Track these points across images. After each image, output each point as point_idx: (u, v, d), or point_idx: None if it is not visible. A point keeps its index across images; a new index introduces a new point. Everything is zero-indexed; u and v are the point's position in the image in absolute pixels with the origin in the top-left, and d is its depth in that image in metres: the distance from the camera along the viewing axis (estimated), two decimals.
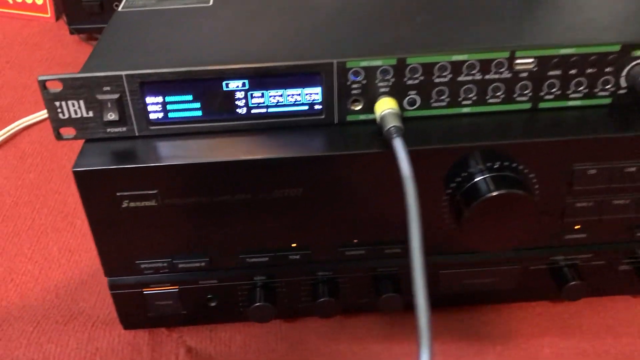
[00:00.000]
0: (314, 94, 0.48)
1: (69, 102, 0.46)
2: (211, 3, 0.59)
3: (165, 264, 0.51)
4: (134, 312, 0.54)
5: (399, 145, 0.43)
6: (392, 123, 0.45)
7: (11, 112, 0.90)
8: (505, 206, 0.46)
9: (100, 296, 0.60)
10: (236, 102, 0.48)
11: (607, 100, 0.50)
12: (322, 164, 0.47)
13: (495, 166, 0.47)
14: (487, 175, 0.47)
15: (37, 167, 0.79)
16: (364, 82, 0.47)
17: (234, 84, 0.47)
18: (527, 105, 0.50)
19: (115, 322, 0.57)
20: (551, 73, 0.48)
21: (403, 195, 0.42)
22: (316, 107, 0.49)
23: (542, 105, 0.50)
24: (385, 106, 0.47)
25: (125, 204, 0.47)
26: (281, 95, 0.48)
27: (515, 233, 0.48)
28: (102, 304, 0.60)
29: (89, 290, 0.61)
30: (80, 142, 0.49)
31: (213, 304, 0.54)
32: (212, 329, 0.57)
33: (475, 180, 0.47)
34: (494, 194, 0.46)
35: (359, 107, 0.49)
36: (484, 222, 0.47)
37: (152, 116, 0.48)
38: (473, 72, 0.48)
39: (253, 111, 0.48)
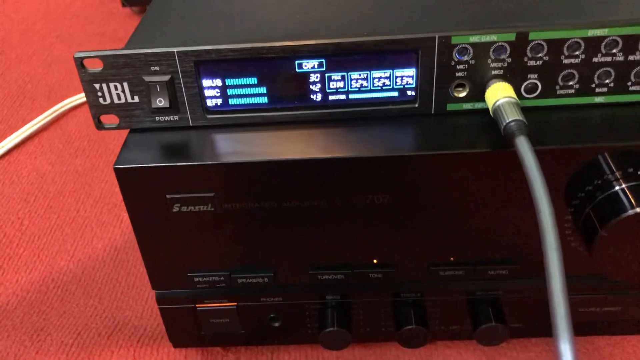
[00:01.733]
0: (407, 76, 0.38)
1: (111, 85, 0.38)
2: None
3: (222, 278, 0.43)
4: (186, 330, 0.47)
5: (524, 146, 0.33)
6: (512, 116, 0.35)
7: (59, 91, 0.84)
8: None
9: (149, 304, 0.53)
10: (310, 87, 0.39)
11: None
12: (414, 165, 0.38)
13: (639, 173, 0.37)
14: (631, 184, 0.36)
15: (84, 151, 0.73)
16: (473, 62, 0.37)
17: (308, 64, 0.38)
18: None
19: (164, 338, 0.49)
20: None
21: (529, 208, 0.33)
22: (408, 92, 0.39)
23: None
24: (500, 93, 0.37)
25: (176, 208, 0.39)
26: (366, 79, 0.39)
27: None
28: (150, 313, 0.52)
29: (136, 296, 0.54)
30: (126, 131, 0.41)
31: (276, 324, 0.46)
32: (274, 351, 0.49)
33: (614, 190, 0.37)
34: (638, 210, 0.35)
35: (463, 94, 0.39)
36: (621, 244, 0.37)
37: (209, 103, 0.39)
38: (614, 51, 0.37)
39: (331, 98, 0.39)
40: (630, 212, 0.35)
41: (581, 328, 0.47)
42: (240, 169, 0.38)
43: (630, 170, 0.37)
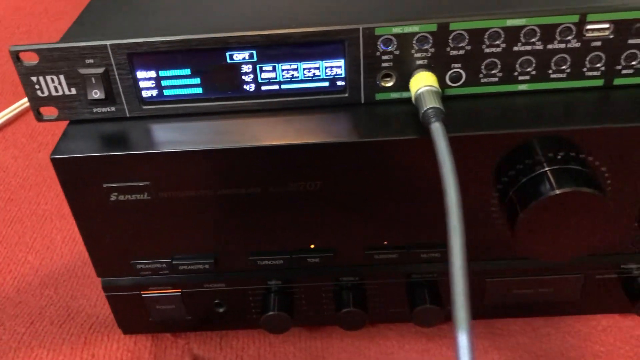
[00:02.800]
0: (336, 67, 0.40)
1: (48, 77, 0.39)
2: None
3: (164, 265, 0.44)
4: (134, 317, 0.48)
5: (437, 131, 0.34)
6: (430, 104, 0.36)
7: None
8: (570, 207, 0.37)
9: (102, 295, 0.54)
10: (243, 78, 0.40)
11: None
12: (345, 152, 0.39)
13: (558, 157, 0.38)
14: (549, 169, 0.38)
15: (47, 146, 0.74)
16: (397, 52, 0.39)
17: (239, 56, 0.39)
18: (599, 82, 0.40)
19: (116, 325, 0.51)
20: (632, 42, 0.38)
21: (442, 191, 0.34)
22: (339, 83, 0.40)
23: (618, 81, 0.40)
24: (422, 82, 0.38)
25: (113, 197, 0.40)
26: (296, 69, 0.40)
27: (582, 240, 0.39)
28: (104, 301, 0.54)
29: (92, 285, 0.55)
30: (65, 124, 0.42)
31: (221, 310, 0.48)
32: (223, 336, 0.50)
33: (534, 174, 0.38)
34: (558, 192, 0.37)
35: (390, 84, 0.40)
36: (543, 225, 0.38)
37: (144, 94, 0.40)
38: (532, 40, 0.38)
39: (263, 88, 0.41)
40: (549, 194, 0.37)
41: (519, 309, 0.48)
42: (174, 158, 0.39)
43: (551, 155, 0.38)
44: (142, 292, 0.46)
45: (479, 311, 0.48)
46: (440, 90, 0.38)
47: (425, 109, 0.36)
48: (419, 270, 0.45)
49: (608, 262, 0.45)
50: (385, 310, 0.47)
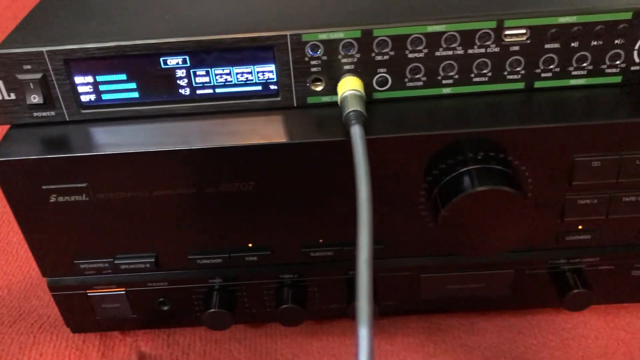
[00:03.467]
0: (268, 72, 0.41)
1: None
2: None
3: (106, 265, 0.45)
4: (81, 315, 0.49)
5: (355, 134, 0.36)
6: (351, 107, 0.38)
7: None
8: (490, 204, 0.39)
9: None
10: (178, 82, 0.42)
11: (617, 79, 0.42)
12: (276, 153, 0.40)
13: (479, 157, 0.40)
14: (469, 168, 0.40)
15: None
16: (325, 58, 0.40)
17: (173, 61, 0.41)
18: (520, 85, 0.42)
19: (65, 325, 0.52)
20: (548, 46, 0.40)
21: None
22: (271, 87, 0.42)
23: (538, 84, 0.42)
24: (346, 87, 0.40)
25: (53, 199, 0.42)
26: (229, 74, 0.41)
27: (503, 236, 0.41)
28: (53, 303, 0.55)
29: (44, 286, 0.56)
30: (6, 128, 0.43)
31: (166, 308, 0.49)
32: (171, 334, 0.52)
33: (455, 173, 0.40)
34: (476, 189, 0.38)
35: (320, 88, 0.42)
36: (464, 222, 0.40)
37: (83, 98, 0.42)
38: (453, 45, 0.40)
39: (198, 92, 0.42)
40: (468, 192, 0.39)
41: (455, 304, 0.50)
42: (110, 160, 0.40)
43: (471, 155, 0.40)
44: (87, 291, 0.47)
45: (416, 306, 0.49)
46: (363, 94, 0.40)
47: (346, 112, 0.38)
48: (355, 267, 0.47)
49: (537, 257, 0.46)
50: (326, 307, 0.49)
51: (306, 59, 0.40)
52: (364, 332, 0.28)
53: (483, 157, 0.40)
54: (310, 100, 0.42)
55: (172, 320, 0.50)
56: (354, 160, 0.35)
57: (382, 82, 0.42)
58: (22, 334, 0.52)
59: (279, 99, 0.42)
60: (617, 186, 0.42)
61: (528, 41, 0.40)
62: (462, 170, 0.40)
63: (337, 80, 0.41)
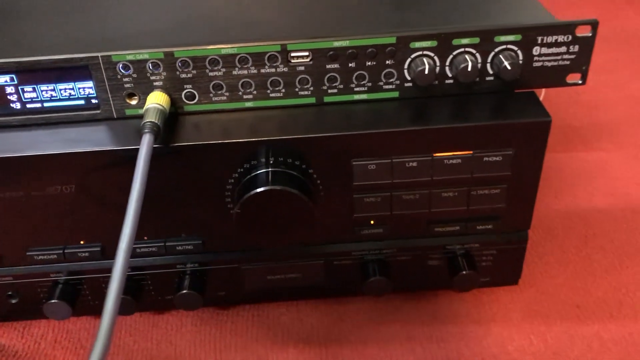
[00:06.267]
0: (88, 87, 0.47)
1: None
2: None
3: None
4: None
5: (143, 142, 0.42)
6: (148, 118, 0.44)
7: None
8: (274, 203, 0.45)
9: None
10: (8, 97, 0.47)
11: (395, 94, 0.48)
12: (88, 160, 0.46)
13: (271, 162, 0.46)
14: (258, 172, 0.46)
15: None
16: (135, 75, 0.46)
17: (1, 79, 0.46)
18: (312, 100, 0.48)
19: None
20: (330, 66, 0.47)
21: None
22: (93, 101, 0.48)
23: (327, 99, 0.48)
24: (150, 101, 0.46)
25: None
26: (54, 90, 0.47)
27: (292, 231, 0.47)
28: None
29: None
30: None
31: (14, 301, 0.54)
32: (26, 326, 0.57)
33: (248, 176, 0.46)
34: (261, 189, 0.45)
35: (135, 101, 0.48)
36: (255, 219, 0.46)
37: None
38: (247, 65, 0.46)
39: (28, 106, 0.47)
40: (251, 192, 0.45)
41: (280, 293, 0.56)
42: None
43: (263, 160, 0.46)
44: None
45: (241, 297, 0.55)
46: (164, 107, 0.46)
47: (143, 122, 0.44)
48: (180, 261, 0.52)
49: (342, 249, 0.53)
50: (157, 298, 0.55)
51: (119, 76, 0.46)
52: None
53: (274, 162, 0.46)
54: (129, 112, 0.48)
55: (22, 312, 0.55)
56: (136, 164, 0.41)
57: (190, 97, 0.48)
58: None
59: (99, 111, 0.48)
60: (394, 186, 0.48)
61: (311, 62, 0.46)
62: (253, 173, 0.46)
63: (149, 94, 0.47)
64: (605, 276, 0.58)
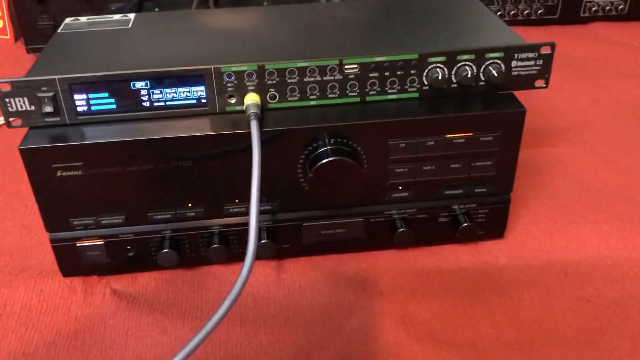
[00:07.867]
0: (200, 91, 0.66)
1: (16, 99, 0.63)
2: (130, 26, 0.76)
3: (92, 221, 0.68)
4: (70, 262, 0.71)
5: (254, 126, 0.61)
6: (251, 110, 0.63)
7: None
8: (339, 171, 0.64)
9: (46, 256, 0.76)
10: (141, 97, 0.65)
11: (416, 95, 0.68)
12: (202, 141, 0.64)
13: (332, 142, 0.65)
14: (325, 148, 0.65)
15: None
16: (236, 82, 0.65)
17: (139, 84, 0.64)
18: (357, 99, 0.68)
19: (57, 273, 0.73)
20: (371, 75, 0.67)
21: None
22: (202, 101, 0.66)
23: (368, 98, 0.68)
24: (249, 99, 0.65)
25: (59, 173, 0.64)
26: (175, 92, 0.65)
27: (350, 192, 0.66)
28: (47, 261, 0.75)
29: (36, 252, 0.77)
30: (26, 129, 0.66)
31: (131, 254, 0.71)
32: (134, 277, 0.74)
33: (317, 152, 0.65)
34: (327, 160, 0.64)
35: (234, 101, 0.66)
36: (324, 182, 0.65)
37: (79, 109, 0.65)
38: (314, 74, 0.66)
39: (155, 104, 0.66)
40: (323, 161, 0.64)
41: (330, 247, 0.75)
42: (97, 147, 0.63)
43: (327, 140, 0.65)
44: (76, 243, 0.69)
45: (299, 249, 0.74)
46: (259, 103, 0.65)
47: (249, 112, 0.63)
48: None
49: (377, 209, 0.72)
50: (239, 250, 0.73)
51: (224, 82, 0.65)
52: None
53: (335, 142, 0.66)
54: (228, 108, 0.67)
55: (135, 263, 0.72)
56: (252, 143, 0.60)
57: (273, 97, 0.67)
58: (26, 279, 0.72)
59: (207, 108, 0.67)
60: (417, 159, 0.68)
61: (359, 72, 0.66)
62: (322, 150, 0.65)
63: (244, 96, 0.66)
64: (565, 231, 0.79)
